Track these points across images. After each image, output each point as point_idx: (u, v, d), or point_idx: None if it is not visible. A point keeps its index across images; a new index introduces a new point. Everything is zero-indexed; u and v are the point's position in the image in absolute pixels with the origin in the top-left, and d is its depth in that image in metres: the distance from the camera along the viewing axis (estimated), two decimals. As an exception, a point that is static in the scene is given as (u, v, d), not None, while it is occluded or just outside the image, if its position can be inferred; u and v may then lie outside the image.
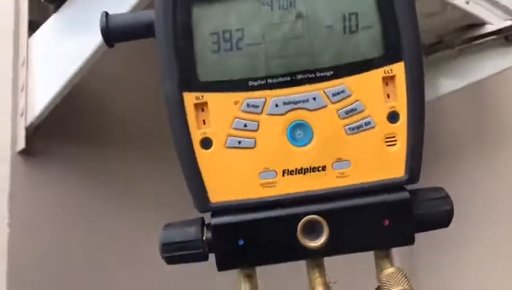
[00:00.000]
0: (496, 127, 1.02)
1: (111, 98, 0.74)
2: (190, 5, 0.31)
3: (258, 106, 0.31)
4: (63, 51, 0.55)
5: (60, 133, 0.68)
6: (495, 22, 0.75)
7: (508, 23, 0.72)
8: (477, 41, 0.75)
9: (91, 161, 0.73)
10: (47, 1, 0.56)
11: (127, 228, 0.75)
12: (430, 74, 0.84)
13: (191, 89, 0.31)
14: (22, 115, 0.62)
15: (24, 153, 0.63)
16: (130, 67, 0.73)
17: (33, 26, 0.65)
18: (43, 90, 0.59)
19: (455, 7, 0.68)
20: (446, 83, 0.83)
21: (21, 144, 0.62)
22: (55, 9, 0.56)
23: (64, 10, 0.55)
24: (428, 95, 0.89)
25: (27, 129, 0.62)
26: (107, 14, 0.33)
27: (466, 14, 0.70)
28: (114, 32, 0.33)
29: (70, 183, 0.69)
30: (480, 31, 0.75)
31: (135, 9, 0.46)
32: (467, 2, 0.69)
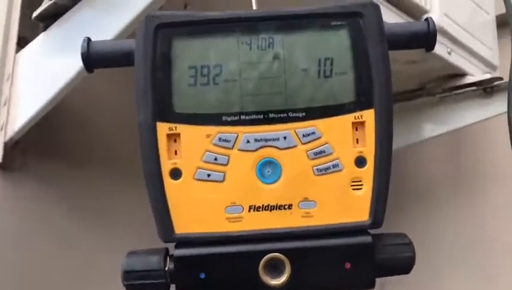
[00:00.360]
0: (474, 172, 1.04)
1: (92, 117, 0.75)
2: (171, 38, 0.32)
3: (230, 141, 0.32)
4: (49, 69, 0.56)
5: (39, 149, 0.68)
6: (475, 73, 0.77)
7: (487, 76, 0.74)
8: (458, 91, 0.77)
9: (69, 178, 0.72)
10: (37, 19, 0.56)
11: (102, 247, 0.74)
12: (412, 119, 0.85)
13: (165, 120, 0.32)
14: (1, 129, 0.62)
15: (1, 167, 0.63)
16: (113, 87, 0.74)
17: (22, 43, 0.65)
18: (25, 106, 0.59)
19: (437, 57, 0.70)
20: (427, 129, 0.85)
21: (-2, 158, 0.62)
22: (45, 28, 0.57)
23: (53, 30, 0.55)
24: (411, 138, 0.92)
25: (6, 144, 0.62)
26: (89, 39, 0.34)
27: (448, 64, 0.72)
28: (94, 59, 0.33)
29: (46, 200, 0.69)
30: (461, 82, 0.77)
31: (122, 34, 0.47)
32: (449, 53, 0.71)
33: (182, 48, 0.32)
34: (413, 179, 1.02)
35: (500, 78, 0.75)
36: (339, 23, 0.32)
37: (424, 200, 1.06)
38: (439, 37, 0.70)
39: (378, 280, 0.32)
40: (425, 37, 0.34)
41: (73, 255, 0.71)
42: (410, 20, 0.65)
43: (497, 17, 0.87)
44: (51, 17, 0.55)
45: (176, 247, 0.32)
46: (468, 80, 0.76)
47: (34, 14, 0.56)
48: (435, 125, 0.84)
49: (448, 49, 0.71)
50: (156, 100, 0.31)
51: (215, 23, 0.32)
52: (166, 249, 0.33)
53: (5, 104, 0.63)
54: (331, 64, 0.32)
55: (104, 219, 0.75)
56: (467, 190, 1.03)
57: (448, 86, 0.78)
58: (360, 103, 0.32)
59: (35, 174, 0.68)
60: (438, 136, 0.84)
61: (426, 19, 0.34)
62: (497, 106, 0.75)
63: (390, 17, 0.61)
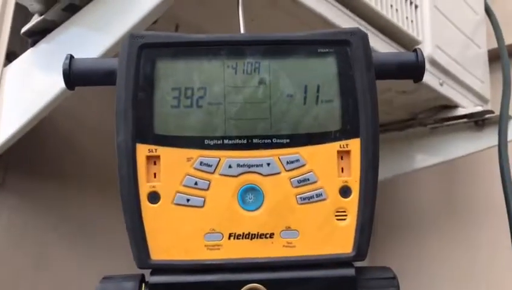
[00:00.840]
0: (467, 203, 1.03)
1: (75, 137, 0.74)
2: (155, 58, 0.31)
3: (211, 165, 0.31)
4: (34, 85, 0.55)
5: (20, 165, 0.67)
6: (467, 105, 0.77)
7: (478, 109, 0.74)
8: (449, 123, 0.77)
9: (48, 196, 0.71)
10: (25, 35, 0.56)
11: (78, 267, 0.72)
12: (403, 148, 0.85)
13: (145, 141, 0.31)
14: (-16, 143, 0.60)
15: (-20, 182, 0.61)
16: (98, 105, 0.73)
17: (10, 57, 0.65)
18: (9, 122, 0.58)
19: (429, 88, 0.70)
20: (418, 159, 0.85)
21: (-22, 174, 0.60)
22: (33, 44, 0.56)
23: (41, 45, 0.55)
24: (401, 168, 0.92)
25: (-13, 159, 0.60)
26: (71, 57, 0.33)
27: (439, 95, 0.72)
28: (75, 76, 0.33)
29: (24, 216, 0.67)
30: (453, 113, 0.77)
31: (109, 52, 0.46)
32: (441, 84, 0.71)
33: (165, 69, 0.31)
34: (404, 209, 1.02)
35: (492, 112, 0.75)
36: (326, 50, 0.32)
37: (415, 230, 1.05)
38: (431, 69, 0.70)
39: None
40: (413, 68, 0.33)
41: (46, 275, 0.69)
42: (402, 50, 0.65)
43: (489, 51, 0.88)
44: (39, 33, 0.55)
45: (152, 274, 0.31)
46: (460, 112, 0.76)
47: (23, 30, 0.56)
48: (425, 156, 0.83)
49: (440, 81, 0.71)
50: (136, 121, 0.31)
51: (201, 46, 0.32)
52: (142, 276, 0.32)
53: (-11, 119, 0.62)
54: (317, 91, 0.32)
55: (82, 239, 0.74)
56: (458, 222, 1.03)
57: (439, 117, 0.78)
58: (346, 132, 0.31)
59: (13, 191, 0.67)
60: (428, 167, 0.84)
61: (415, 50, 0.34)
62: (488, 138, 0.75)
63: (382, 46, 0.61)
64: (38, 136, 0.64)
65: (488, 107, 0.81)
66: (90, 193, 0.74)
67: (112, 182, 0.68)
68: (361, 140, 0.31)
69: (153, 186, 0.30)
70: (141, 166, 0.30)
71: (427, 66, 0.69)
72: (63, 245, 0.71)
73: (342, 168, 0.31)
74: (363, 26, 0.57)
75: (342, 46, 0.32)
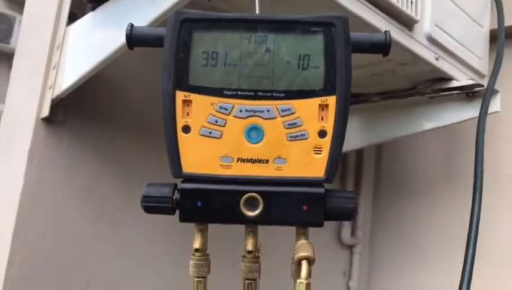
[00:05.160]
0: (466, 169, 1.13)
1: (122, 85, 0.86)
2: (192, 30, 0.43)
3: (228, 109, 0.43)
4: (93, 43, 0.68)
5: (77, 108, 0.80)
6: (462, 79, 0.87)
7: (469, 82, 0.84)
8: (444, 93, 0.87)
9: (98, 135, 0.85)
10: (88, 1, 0.68)
11: (121, 197, 0.86)
12: (404, 114, 0.96)
13: (182, 89, 0.42)
14: (50, 88, 0.74)
15: (46, 120, 0.75)
16: (141, 62, 0.85)
17: (72, 17, 0.77)
18: (71, 71, 0.71)
19: (425, 61, 0.79)
20: (416, 124, 0.95)
21: (45, 112, 0.75)
22: (93, 9, 0.69)
23: (100, 10, 0.67)
24: (402, 131, 1.02)
25: (52, 100, 0.74)
26: (132, 25, 0.45)
27: (435, 68, 0.82)
28: (134, 40, 0.45)
29: (78, 152, 0.81)
30: (448, 85, 0.87)
31: (156, 21, 0.58)
32: (437, 59, 0.81)
33: (199, 38, 0.43)
34: (410, 170, 1.11)
35: (481, 85, 0.85)
36: (317, 29, 0.43)
37: (416, 192, 1.15)
38: (427, 44, 0.80)
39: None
40: (381, 46, 0.44)
41: (96, 202, 0.84)
42: (403, 28, 0.74)
43: (493, 31, 0.96)
44: (99, 1, 0.67)
45: (182, 182, 0.43)
46: (454, 84, 0.85)
47: (86, -3, 0.68)
48: (423, 122, 0.94)
49: (436, 56, 0.80)
50: (176, 74, 0.42)
51: (225, 22, 0.43)
52: (175, 184, 0.45)
53: (54, 68, 0.75)
54: (308, 59, 0.42)
55: (127, 172, 0.87)
56: (456, 187, 1.12)
57: (436, 87, 0.88)
58: (326, 90, 0.42)
59: (71, 129, 0.81)
60: (425, 132, 0.94)
61: (385, 32, 0.45)
62: (475, 109, 0.85)
63: (382, 24, 0.70)
64: (95, 85, 0.77)
65: (485, 81, 0.90)
66: (134, 133, 0.87)
67: (150, 123, 0.82)
68: (337, 97, 0.42)
69: (186, 121, 0.42)
70: (179, 107, 0.42)
71: (424, 41, 0.79)
72: (108, 173, 0.85)
73: (322, 117, 0.42)
74: (365, 5, 0.67)
75: (329, 27, 0.42)
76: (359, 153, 1.19)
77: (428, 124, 0.92)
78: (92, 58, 0.66)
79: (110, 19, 0.64)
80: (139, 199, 0.44)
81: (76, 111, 0.79)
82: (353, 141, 0.99)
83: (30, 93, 0.77)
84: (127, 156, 0.87)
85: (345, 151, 0.74)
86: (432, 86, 0.88)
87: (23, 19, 0.91)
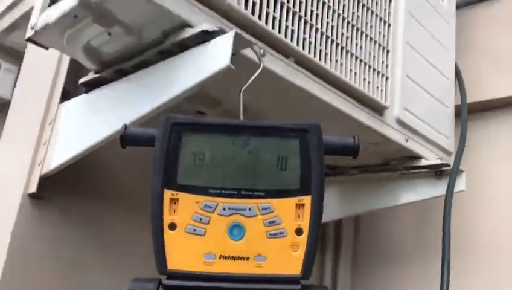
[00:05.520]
0: (437, 241, 1.17)
1: (113, 167, 0.88)
2: (181, 133, 0.46)
3: (212, 207, 0.45)
4: (85, 124, 0.71)
5: (64, 185, 0.81)
6: (431, 157, 0.92)
7: (437, 161, 0.90)
8: (414, 171, 0.92)
9: (85, 213, 0.85)
10: (82, 85, 0.72)
11: (105, 276, 0.86)
12: (377, 188, 1.00)
13: (170, 188, 0.45)
14: (39, 164, 0.76)
15: (33, 196, 0.77)
16: (136, 153, 0.87)
17: (65, 95, 0.80)
18: (62, 150, 0.73)
19: (396, 143, 0.85)
20: (389, 198, 1.00)
21: (32, 188, 0.76)
22: (87, 92, 0.72)
23: (94, 94, 0.70)
24: (375, 205, 1.06)
25: (41, 177, 0.76)
26: (126, 126, 0.49)
27: (405, 148, 0.87)
28: (128, 139, 0.48)
29: (64, 227, 0.81)
30: (418, 163, 0.92)
31: (151, 112, 0.60)
32: (406, 140, 0.86)
33: (187, 140, 0.46)
34: (381, 241, 1.14)
35: (448, 165, 0.90)
36: (294, 134, 0.47)
37: (391, 262, 1.18)
38: (397, 127, 0.86)
39: None
40: (352, 149, 0.49)
41: (78, 280, 0.83)
42: (373, 114, 0.80)
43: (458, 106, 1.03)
44: (92, 85, 0.71)
45: (167, 278, 0.45)
46: (423, 162, 0.91)
47: (81, 81, 0.72)
48: (395, 197, 0.98)
49: (406, 137, 0.86)
50: (165, 173, 0.46)
51: (211, 126, 0.47)
52: (159, 280, 0.46)
53: (45, 143, 0.77)
54: (286, 161, 0.46)
55: (111, 252, 0.88)
56: (428, 256, 1.15)
57: (408, 165, 0.93)
58: (302, 190, 0.45)
59: (57, 206, 0.81)
60: (396, 207, 0.99)
61: (354, 137, 0.49)
62: (444, 187, 0.90)
63: (354, 111, 0.76)
64: (84, 163, 0.79)
65: (451, 159, 0.96)
66: (119, 212, 0.88)
67: (139, 207, 0.83)
68: (312, 197, 0.46)
69: (173, 219, 0.44)
70: (166, 205, 0.44)
71: (394, 125, 0.84)
72: (92, 250, 0.85)
73: (299, 215, 0.45)
74: (338, 95, 0.73)
75: (304, 133, 0.46)
76: (338, 224, 1.22)
77: (402, 199, 0.97)
78: (84, 140, 0.68)
79: (105, 104, 0.68)
80: (125, 293, 0.46)
81: (64, 187, 0.81)
82: (330, 212, 1.03)
83: (19, 167, 0.79)
84: (116, 232, 0.88)
85: (324, 222, 0.77)
86: (403, 163, 0.93)
87: (14, 91, 0.94)
